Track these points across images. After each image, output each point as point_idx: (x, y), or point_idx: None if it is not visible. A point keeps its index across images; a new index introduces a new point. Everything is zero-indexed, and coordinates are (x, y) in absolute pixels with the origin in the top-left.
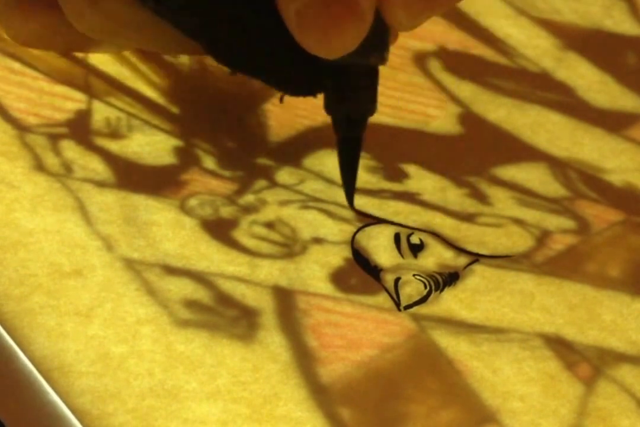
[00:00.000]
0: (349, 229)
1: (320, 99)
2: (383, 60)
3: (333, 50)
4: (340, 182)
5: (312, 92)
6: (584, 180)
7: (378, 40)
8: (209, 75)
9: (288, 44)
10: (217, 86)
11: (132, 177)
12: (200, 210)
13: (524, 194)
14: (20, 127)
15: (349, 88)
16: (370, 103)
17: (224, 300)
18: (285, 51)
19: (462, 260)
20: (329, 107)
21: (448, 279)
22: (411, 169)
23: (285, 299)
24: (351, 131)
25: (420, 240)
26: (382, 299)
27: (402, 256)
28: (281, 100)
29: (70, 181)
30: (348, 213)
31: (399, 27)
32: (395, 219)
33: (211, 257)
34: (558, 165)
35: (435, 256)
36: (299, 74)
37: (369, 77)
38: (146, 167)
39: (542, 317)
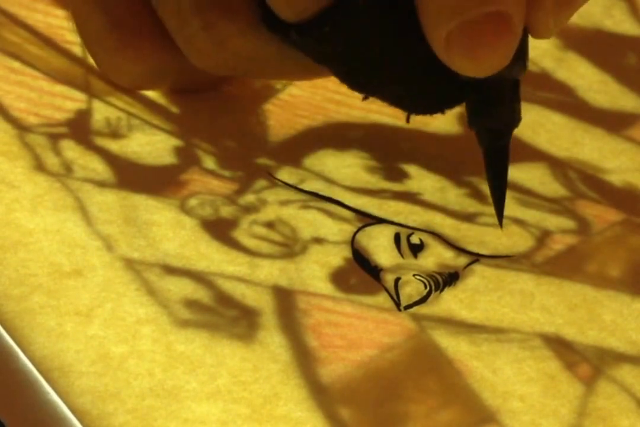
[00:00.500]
0: (349, 229)
1: (319, 99)
2: (525, 69)
3: (485, 69)
4: (341, 182)
5: (443, 109)
6: (584, 181)
7: (521, 52)
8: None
9: (431, 67)
10: (217, 86)
11: (132, 177)
12: (201, 210)
13: (524, 194)
14: (20, 127)
15: (494, 101)
16: (515, 114)
17: (224, 300)
18: (427, 75)
19: (462, 260)
20: (472, 122)
21: (448, 279)
22: (411, 169)
23: (285, 299)
24: (496, 142)
25: (420, 240)
26: (382, 299)
27: (402, 255)
28: (408, 120)
29: (70, 181)
30: (348, 213)
31: (544, 34)
32: (396, 219)
33: (211, 257)
34: (558, 165)
35: (435, 256)
36: (431, 90)
37: (513, 89)
38: (146, 167)
39: (542, 317)
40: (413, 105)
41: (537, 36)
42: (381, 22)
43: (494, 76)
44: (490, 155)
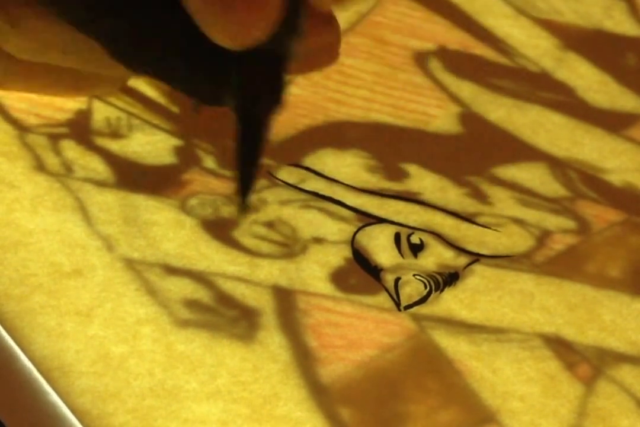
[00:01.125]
0: (349, 229)
1: (320, 98)
2: (292, 51)
3: (239, 40)
4: (341, 181)
5: (218, 98)
6: (584, 180)
7: (292, 24)
8: None
9: (192, 41)
10: None
11: (132, 177)
12: (201, 210)
13: (524, 193)
14: (21, 128)
15: (252, 78)
16: (273, 97)
17: (224, 300)
18: (190, 48)
19: (462, 260)
20: (232, 98)
21: (448, 279)
22: (411, 168)
23: (285, 299)
24: (251, 129)
25: (421, 240)
26: (382, 299)
27: (402, 255)
28: (195, 110)
29: (70, 181)
30: (348, 213)
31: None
32: (396, 219)
33: (211, 257)
34: (558, 165)
35: (436, 256)
36: (206, 72)
37: (274, 67)
38: (146, 166)
39: (542, 317)
40: (189, 90)
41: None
42: None
43: (258, 50)
44: (244, 143)
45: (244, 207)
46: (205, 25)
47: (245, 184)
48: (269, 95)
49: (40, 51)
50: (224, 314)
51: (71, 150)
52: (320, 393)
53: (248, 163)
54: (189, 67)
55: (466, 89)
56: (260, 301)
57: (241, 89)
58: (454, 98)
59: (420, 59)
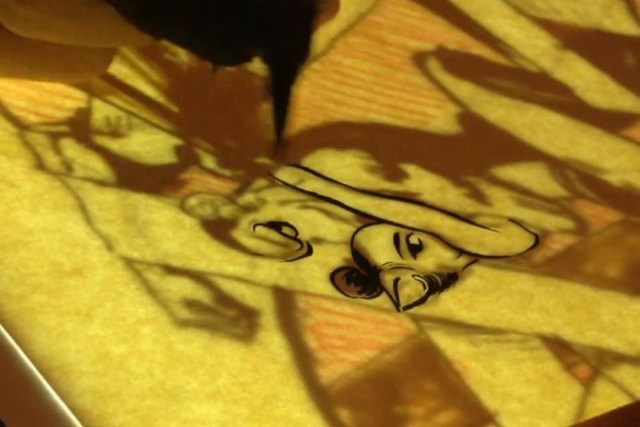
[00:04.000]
0: (348, 229)
1: (319, 99)
2: (318, 4)
3: None
4: (340, 181)
5: (244, 57)
6: (582, 180)
7: None
8: (208, 75)
9: (219, 5)
10: (217, 85)
11: (132, 176)
12: (200, 209)
13: (523, 194)
14: (21, 126)
15: (281, 30)
16: (306, 48)
17: (224, 300)
18: (215, 13)
19: (461, 260)
20: (265, 57)
21: (447, 279)
22: (410, 168)
23: (285, 299)
24: (283, 75)
25: (420, 240)
26: (382, 299)
27: (401, 256)
28: (215, 70)
29: (70, 180)
30: (347, 213)
31: None
32: (395, 219)
33: (211, 256)
34: (557, 165)
35: (435, 257)
36: (226, 31)
37: (307, 21)
38: (146, 166)
39: (541, 317)
40: (208, 51)
41: None
42: None
43: (289, 4)
44: (276, 90)
45: (280, 148)
46: None
47: (279, 127)
48: (299, 46)
49: (48, 25)
50: (223, 314)
51: (71, 149)
52: (320, 394)
53: (281, 110)
54: (213, 27)
55: (465, 89)
56: (260, 301)
57: (273, 40)
58: (453, 98)
59: (419, 59)
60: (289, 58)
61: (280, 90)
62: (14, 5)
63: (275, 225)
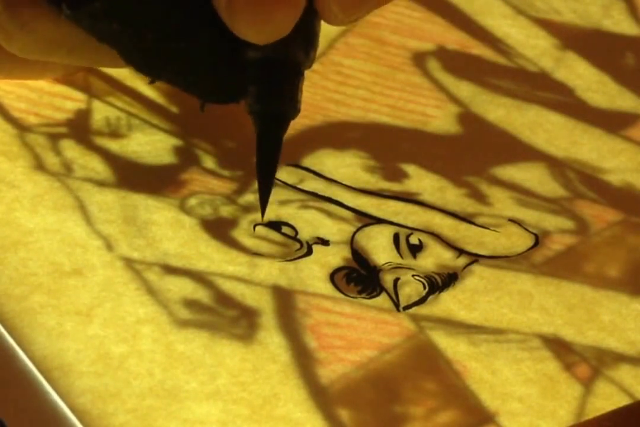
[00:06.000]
0: (348, 229)
1: (319, 99)
2: (309, 61)
3: (264, 33)
4: (340, 181)
5: (234, 97)
6: (582, 181)
7: (306, 37)
8: None
9: (211, 44)
10: None
11: (132, 176)
12: (200, 209)
13: (523, 194)
14: (21, 127)
15: (272, 84)
16: (295, 103)
17: (224, 300)
18: (209, 52)
19: (461, 260)
20: (252, 108)
21: (447, 279)
22: (410, 169)
23: (285, 299)
24: (272, 130)
25: (420, 240)
26: (381, 299)
27: (401, 256)
28: (202, 109)
29: (70, 180)
30: (347, 213)
31: (331, 20)
32: (395, 219)
33: (211, 256)
34: (557, 165)
35: (434, 257)
36: (221, 76)
37: (292, 75)
38: (146, 166)
39: (541, 317)
40: (201, 91)
41: (327, 21)
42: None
43: (277, 58)
44: (264, 143)
45: (264, 210)
46: (232, 20)
47: (264, 188)
48: (289, 101)
49: (47, 52)
50: (223, 314)
51: (71, 149)
52: (320, 394)
53: (267, 166)
54: (209, 73)
55: (465, 89)
56: (260, 301)
57: (263, 95)
58: (453, 98)
59: (419, 59)
60: (277, 113)
61: (268, 142)
62: (14, 29)
63: (275, 225)
